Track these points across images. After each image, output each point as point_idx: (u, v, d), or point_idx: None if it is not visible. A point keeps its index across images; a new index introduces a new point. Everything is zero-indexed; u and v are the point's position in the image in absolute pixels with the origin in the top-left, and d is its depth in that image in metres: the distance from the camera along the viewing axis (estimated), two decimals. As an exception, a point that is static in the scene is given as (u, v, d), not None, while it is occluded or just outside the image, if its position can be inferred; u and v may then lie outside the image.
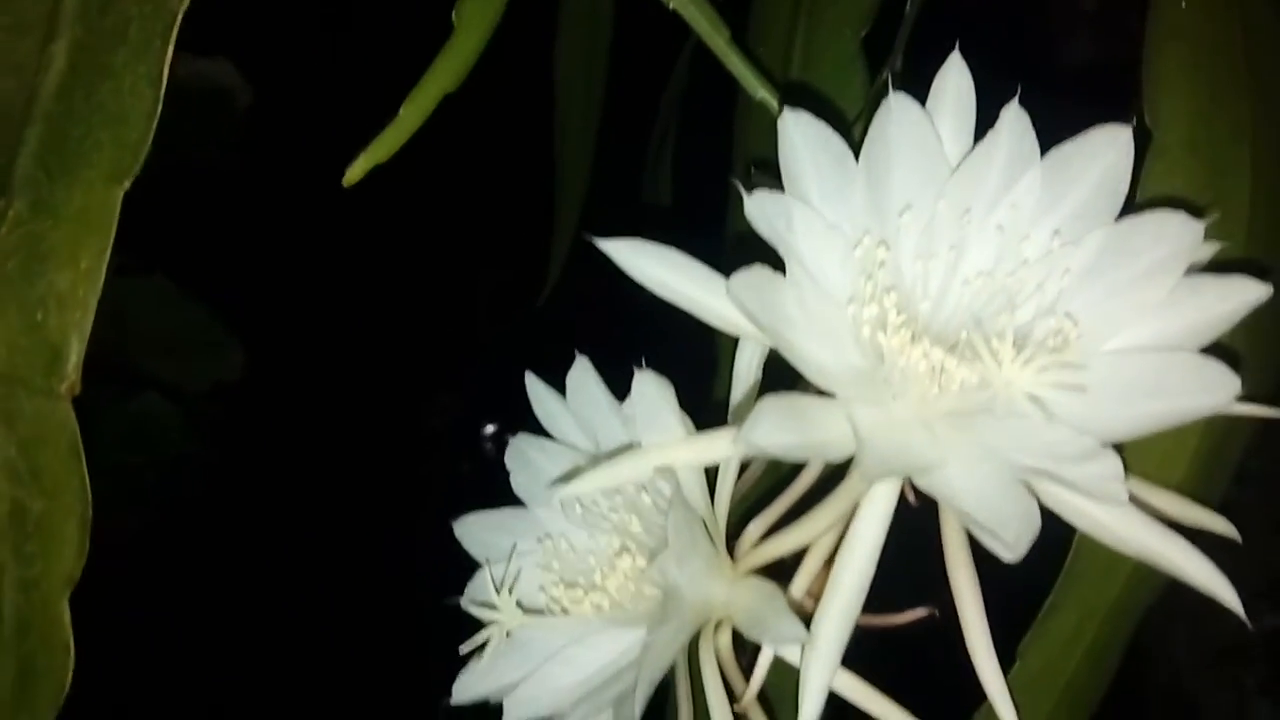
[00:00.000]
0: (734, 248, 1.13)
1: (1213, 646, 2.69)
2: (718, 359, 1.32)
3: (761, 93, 1.03)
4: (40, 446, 0.79)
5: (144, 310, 2.03)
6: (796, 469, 1.02)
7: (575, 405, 0.97)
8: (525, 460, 1.00)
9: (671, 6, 1.02)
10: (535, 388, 1.00)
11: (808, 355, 0.78)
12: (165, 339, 2.11)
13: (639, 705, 0.81)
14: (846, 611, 0.81)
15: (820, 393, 0.81)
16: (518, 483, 1.01)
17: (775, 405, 0.75)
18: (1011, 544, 0.70)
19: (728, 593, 0.92)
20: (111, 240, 0.77)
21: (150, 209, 0.90)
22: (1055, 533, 0.88)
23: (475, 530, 1.02)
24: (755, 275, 0.77)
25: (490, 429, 3.98)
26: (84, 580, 0.82)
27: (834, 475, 0.93)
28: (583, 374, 0.96)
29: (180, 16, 0.76)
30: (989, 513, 0.72)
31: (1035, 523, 0.72)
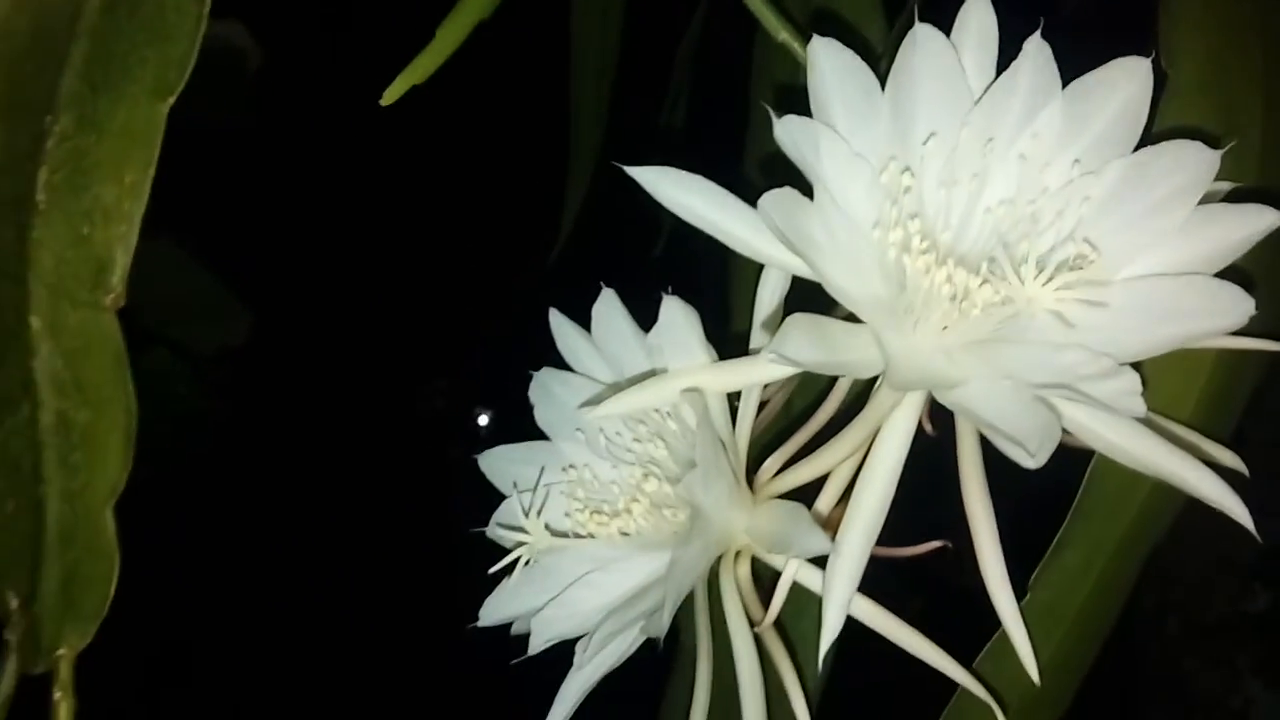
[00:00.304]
0: (761, 173, 1.16)
1: (1206, 627, 2.72)
2: (731, 311, 1.34)
3: (783, 34, 1.05)
4: (85, 358, 0.80)
5: (153, 273, 2.03)
6: (809, 410, 1.04)
7: (600, 337, 0.98)
8: (548, 394, 1.02)
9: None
10: (559, 323, 1.02)
11: (832, 279, 0.80)
12: (173, 302, 2.11)
13: (667, 616, 0.83)
14: (869, 524, 0.83)
15: (848, 315, 0.83)
16: (541, 416, 1.03)
17: (802, 321, 0.78)
18: (1034, 452, 0.73)
19: (748, 520, 0.94)
20: (156, 155, 0.79)
21: (160, 171, 0.91)
22: (1066, 469, 0.90)
23: (499, 463, 1.03)
24: (784, 195, 0.79)
25: (484, 420, 4.01)
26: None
27: (846, 415, 0.95)
28: (608, 305, 0.97)
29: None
30: (1011, 424, 0.75)
31: (1056, 433, 0.74)
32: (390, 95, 0.82)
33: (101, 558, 0.81)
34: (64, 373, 0.81)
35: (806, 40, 1.03)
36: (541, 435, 1.05)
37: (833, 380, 1.03)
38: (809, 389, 1.11)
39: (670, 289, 0.93)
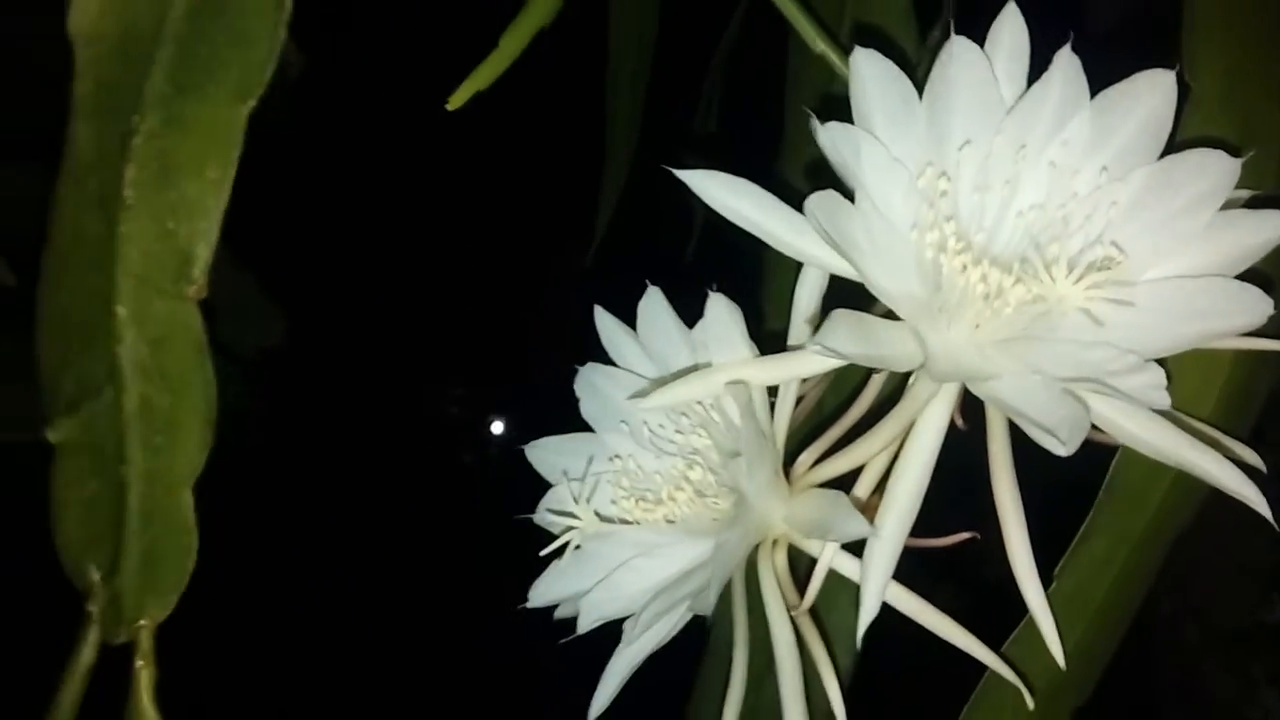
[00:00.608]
0: (797, 176, 1.20)
1: (1222, 637, 2.74)
2: (764, 311, 1.38)
3: (820, 45, 1.09)
4: (168, 346, 0.85)
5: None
6: (840, 409, 1.08)
7: (644, 333, 1.02)
8: (593, 388, 1.06)
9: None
10: (603, 319, 1.06)
11: (872, 278, 0.85)
12: (219, 303, 2.15)
13: (713, 595, 0.87)
14: (905, 511, 0.88)
15: (886, 312, 0.88)
16: (586, 409, 1.07)
17: (846, 316, 0.82)
18: (1066, 440, 0.77)
19: (786, 508, 0.98)
20: (238, 154, 0.84)
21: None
22: (1089, 464, 0.94)
23: (546, 454, 1.08)
24: (828, 198, 0.84)
25: (498, 427, 4.07)
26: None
27: (876, 415, 0.99)
28: (653, 303, 1.02)
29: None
30: (1044, 414, 0.79)
31: (1085, 423, 0.79)
32: (456, 100, 0.87)
33: (181, 534, 0.85)
34: (148, 359, 0.85)
35: (841, 50, 1.08)
36: (585, 427, 1.09)
37: (864, 381, 1.08)
38: (840, 388, 1.15)
39: (715, 286, 0.97)
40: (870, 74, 0.88)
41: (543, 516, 1.04)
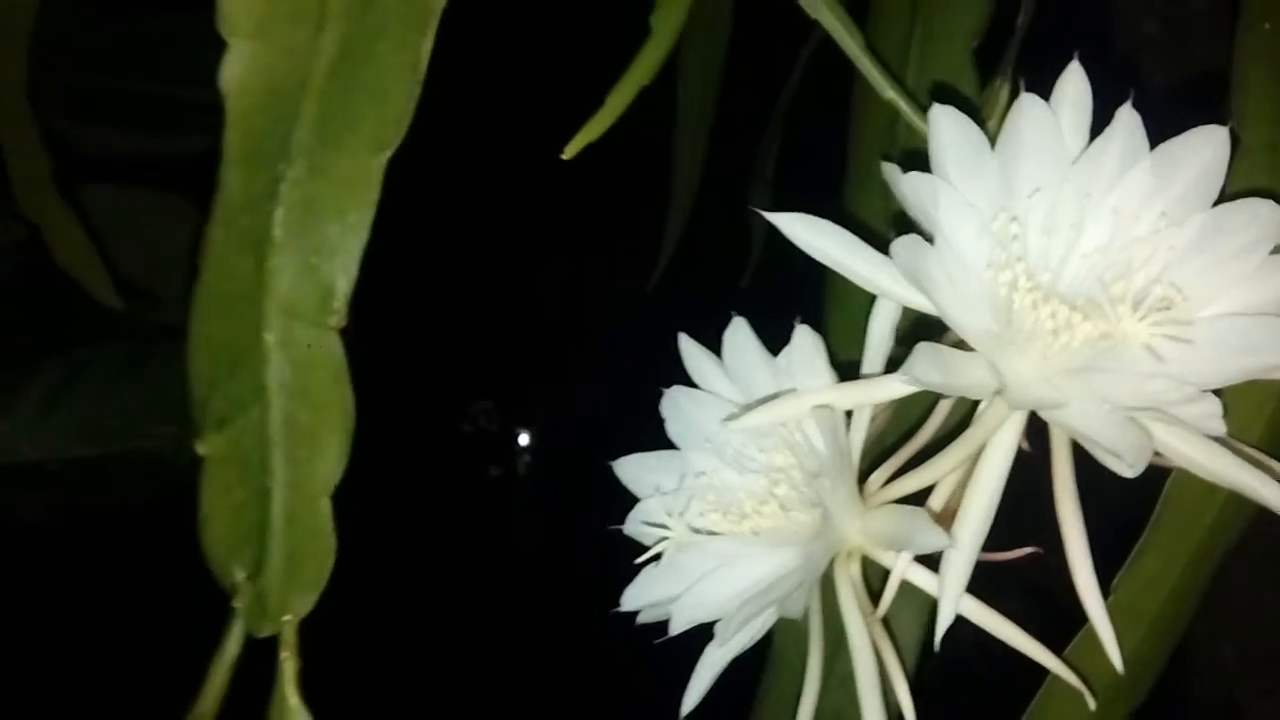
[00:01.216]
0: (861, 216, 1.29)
1: (1260, 656, 2.77)
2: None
3: (890, 93, 1.17)
4: (311, 369, 0.94)
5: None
6: (902, 439, 1.17)
7: (730, 359, 1.11)
8: (679, 409, 1.14)
9: (812, 15, 1.16)
10: (687, 346, 1.14)
11: (950, 313, 0.93)
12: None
13: (803, 601, 0.96)
14: (979, 525, 0.96)
15: (957, 343, 0.96)
16: (672, 429, 1.15)
17: (928, 349, 0.90)
18: (1132, 464, 0.85)
19: (862, 524, 1.06)
20: (376, 199, 0.93)
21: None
22: (1146, 486, 1.01)
23: (632, 469, 1.16)
24: (911, 241, 0.92)
25: (525, 439, 4.16)
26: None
27: (939, 442, 1.07)
28: (738, 331, 1.10)
29: (439, 13, 0.92)
30: (1111, 440, 0.87)
31: (1149, 448, 0.86)
32: (570, 150, 0.95)
33: (322, 537, 0.94)
34: (293, 381, 0.94)
35: (909, 96, 1.16)
36: (651, 445, 1.17)
37: (925, 411, 1.16)
38: (902, 420, 1.23)
39: (800, 319, 1.06)
40: (947, 128, 0.96)
41: (635, 527, 1.12)
